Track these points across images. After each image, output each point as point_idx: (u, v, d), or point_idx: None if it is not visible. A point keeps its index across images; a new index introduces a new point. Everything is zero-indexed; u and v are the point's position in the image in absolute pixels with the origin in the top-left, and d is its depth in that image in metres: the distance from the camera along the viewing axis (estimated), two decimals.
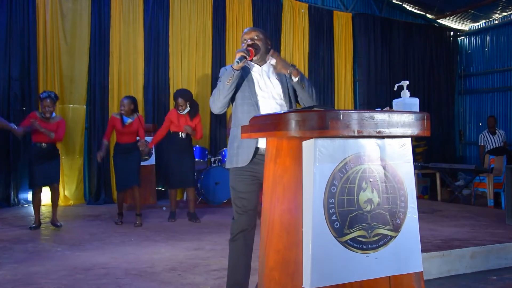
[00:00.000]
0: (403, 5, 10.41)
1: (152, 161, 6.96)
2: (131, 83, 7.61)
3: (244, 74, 2.73)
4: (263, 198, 2.02)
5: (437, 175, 8.03)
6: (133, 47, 7.62)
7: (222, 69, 2.74)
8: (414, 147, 9.55)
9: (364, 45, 9.74)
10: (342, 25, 9.63)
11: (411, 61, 10.42)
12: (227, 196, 6.76)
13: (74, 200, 7.20)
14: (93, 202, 7.23)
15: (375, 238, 1.84)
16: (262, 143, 2.61)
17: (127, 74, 7.59)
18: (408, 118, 1.91)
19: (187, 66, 8.02)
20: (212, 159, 7.24)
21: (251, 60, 2.69)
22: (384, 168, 1.89)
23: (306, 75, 9.14)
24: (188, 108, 5.74)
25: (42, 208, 5.32)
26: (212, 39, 8.19)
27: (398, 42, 10.23)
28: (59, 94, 7.13)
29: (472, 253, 3.78)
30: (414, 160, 8.66)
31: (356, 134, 1.79)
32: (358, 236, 1.80)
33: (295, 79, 2.62)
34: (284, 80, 2.74)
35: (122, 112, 5.51)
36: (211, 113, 7.29)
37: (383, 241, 1.86)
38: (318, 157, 1.76)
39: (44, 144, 5.15)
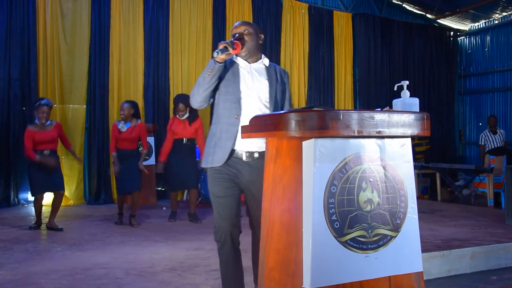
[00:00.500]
0: (403, 5, 10.41)
1: (152, 161, 6.94)
2: (131, 83, 7.61)
3: (231, 68, 2.55)
4: (263, 198, 2.02)
5: (437, 175, 8.02)
6: (133, 47, 7.62)
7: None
8: (416, 146, 9.52)
9: (364, 45, 9.75)
10: (342, 25, 9.63)
11: (411, 61, 10.42)
12: None
13: (74, 200, 7.20)
14: (93, 202, 7.23)
15: (375, 238, 1.84)
16: (239, 145, 2.49)
17: (127, 74, 7.59)
18: (408, 118, 1.91)
19: (187, 66, 8.03)
20: None
21: (237, 55, 2.53)
22: (384, 168, 1.89)
23: (306, 75, 9.18)
24: (187, 114, 5.76)
25: (43, 209, 5.33)
26: (212, 39, 8.19)
27: (398, 42, 10.22)
28: (59, 94, 7.17)
29: (472, 253, 3.78)
30: (416, 159, 8.66)
31: (356, 134, 1.79)
32: (358, 236, 1.80)
33: None
34: (273, 82, 2.58)
35: (122, 116, 5.51)
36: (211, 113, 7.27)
37: (383, 241, 1.85)
38: (318, 157, 1.75)
39: (47, 151, 5.12)
